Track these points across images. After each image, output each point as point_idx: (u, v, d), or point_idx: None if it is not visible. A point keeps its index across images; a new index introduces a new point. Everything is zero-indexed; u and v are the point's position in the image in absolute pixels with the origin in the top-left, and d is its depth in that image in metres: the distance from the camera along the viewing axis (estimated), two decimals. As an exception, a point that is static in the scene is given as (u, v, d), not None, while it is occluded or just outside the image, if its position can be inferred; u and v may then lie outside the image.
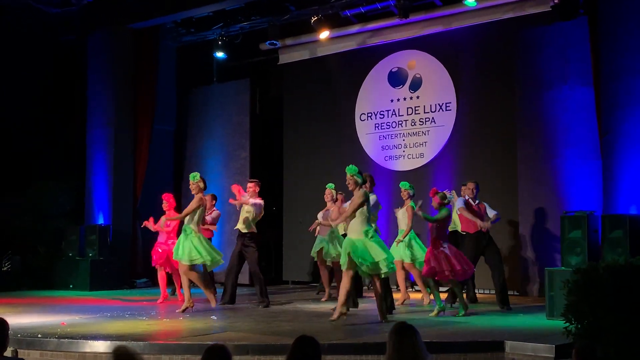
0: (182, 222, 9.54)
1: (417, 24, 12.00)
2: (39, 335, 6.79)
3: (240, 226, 9.73)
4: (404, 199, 9.41)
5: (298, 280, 13.29)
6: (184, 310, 8.86)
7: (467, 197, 9.25)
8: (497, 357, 6.22)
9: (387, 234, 11.17)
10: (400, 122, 12.37)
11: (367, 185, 8.44)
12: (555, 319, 7.43)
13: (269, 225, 13.65)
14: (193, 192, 9.16)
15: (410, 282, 11.53)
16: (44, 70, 14.21)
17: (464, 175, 11.38)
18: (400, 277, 9.83)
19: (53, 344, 6.59)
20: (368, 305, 9.02)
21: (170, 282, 10.58)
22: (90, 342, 6.53)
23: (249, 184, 9.99)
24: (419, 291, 10.67)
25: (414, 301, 10.09)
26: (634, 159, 8.57)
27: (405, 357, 3.60)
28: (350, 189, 7.97)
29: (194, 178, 9.20)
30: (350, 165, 8.00)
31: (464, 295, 9.04)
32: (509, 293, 9.25)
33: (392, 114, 12.48)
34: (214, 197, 11.27)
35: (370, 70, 12.78)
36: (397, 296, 9.97)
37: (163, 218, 10.29)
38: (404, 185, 9.49)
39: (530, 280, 10.46)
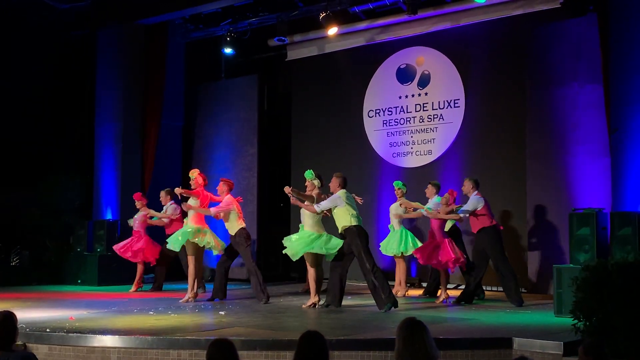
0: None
1: (426, 20, 11.98)
2: (48, 330, 6.82)
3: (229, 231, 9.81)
4: (397, 197, 10.23)
5: (305, 276, 13.27)
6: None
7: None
8: (504, 354, 6.20)
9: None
10: (408, 119, 12.35)
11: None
12: (563, 316, 7.42)
13: (276, 221, 13.68)
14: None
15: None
16: (54, 65, 14.25)
17: (472, 172, 11.35)
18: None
19: (61, 338, 6.61)
20: (372, 301, 9.00)
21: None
22: (98, 336, 6.55)
23: (220, 183, 9.95)
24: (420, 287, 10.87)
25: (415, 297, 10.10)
26: (643, 157, 8.54)
27: (417, 353, 3.60)
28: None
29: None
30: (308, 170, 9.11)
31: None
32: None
33: (401, 111, 12.46)
34: (169, 192, 11.28)
35: (378, 66, 12.76)
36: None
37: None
38: (397, 184, 10.31)
39: (538, 277, 10.43)
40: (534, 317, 7.94)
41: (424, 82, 12.24)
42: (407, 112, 12.38)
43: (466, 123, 11.67)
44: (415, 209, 9.86)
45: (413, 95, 12.34)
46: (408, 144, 12.30)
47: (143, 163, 13.45)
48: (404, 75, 12.50)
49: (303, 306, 8.94)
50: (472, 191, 9.22)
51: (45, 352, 6.54)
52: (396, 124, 12.48)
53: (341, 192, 8.77)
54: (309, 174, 9.12)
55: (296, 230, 13.25)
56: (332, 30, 12.17)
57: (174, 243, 9.74)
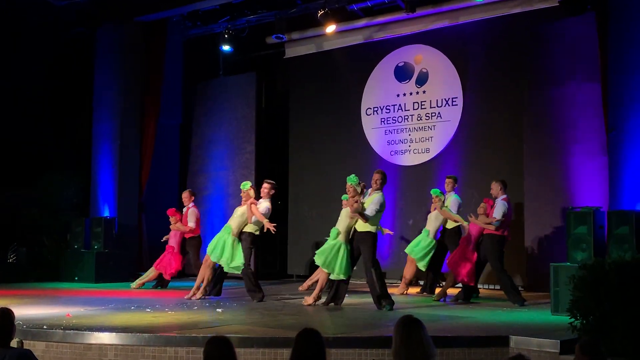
0: None
1: (424, 18, 11.98)
2: (45, 327, 6.81)
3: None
4: (436, 206, 9.97)
5: (303, 274, 13.30)
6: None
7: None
8: (501, 352, 6.20)
9: (392, 228, 11.16)
10: (406, 117, 12.35)
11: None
12: (560, 315, 7.43)
13: (274, 219, 13.66)
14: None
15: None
16: (52, 63, 14.22)
17: (469, 170, 11.38)
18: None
19: (58, 335, 6.60)
20: (371, 299, 9.01)
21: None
22: (95, 333, 6.54)
23: (265, 185, 9.75)
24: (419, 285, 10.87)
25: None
26: (640, 155, 8.55)
27: (413, 351, 3.60)
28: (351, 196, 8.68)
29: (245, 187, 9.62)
30: (351, 175, 8.71)
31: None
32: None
33: (398, 109, 12.47)
34: (191, 194, 11.22)
35: (376, 64, 12.77)
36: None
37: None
38: (435, 192, 10.01)
39: (535, 276, 10.43)
40: (531, 315, 7.95)
41: (422, 80, 12.24)
42: (405, 110, 12.38)
43: (464, 121, 11.67)
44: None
45: (411, 94, 12.34)
46: (406, 142, 12.30)
47: (141, 161, 13.43)
48: (402, 73, 12.50)
49: (304, 303, 8.91)
50: (501, 193, 9.17)
51: (42, 349, 6.53)
52: (394, 122, 12.48)
53: (381, 194, 8.59)
54: (353, 179, 8.73)
55: (294, 228, 13.32)
56: (330, 28, 12.17)
57: (215, 255, 9.48)
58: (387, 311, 8.29)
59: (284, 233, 13.59)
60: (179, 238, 11.06)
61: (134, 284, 11.17)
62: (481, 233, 9.23)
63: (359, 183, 8.76)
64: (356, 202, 8.59)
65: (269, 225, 9.21)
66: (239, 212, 9.55)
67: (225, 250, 9.39)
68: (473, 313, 8.17)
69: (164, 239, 11.21)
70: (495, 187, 9.25)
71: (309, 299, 8.95)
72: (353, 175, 8.82)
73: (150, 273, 11.22)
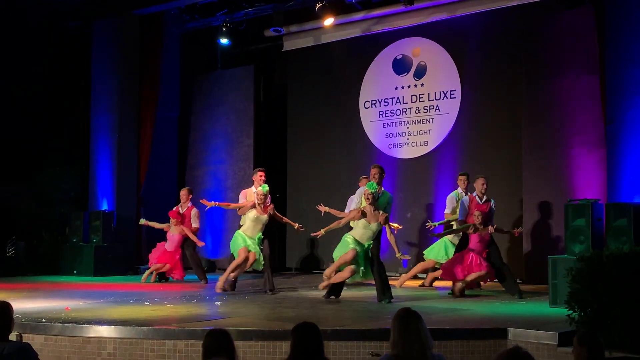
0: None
1: (422, 11, 11.96)
2: (43, 320, 6.82)
3: None
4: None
5: (301, 267, 13.32)
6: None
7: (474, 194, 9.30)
8: (499, 344, 6.22)
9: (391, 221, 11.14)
10: (404, 110, 12.34)
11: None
12: (558, 307, 7.44)
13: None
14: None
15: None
16: (49, 56, 14.19)
17: (468, 163, 11.37)
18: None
19: (57, 329, 6.62)
20: (369, 292, 9.03)
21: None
22: (94, 326, 6.55)
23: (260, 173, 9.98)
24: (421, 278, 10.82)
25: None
26: (638, 148, 8.53)
27: (411, 343, 3.62)
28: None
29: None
30: (371, 183, 8.58)
31: None
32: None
33: (397, 102, 12.46)
34: (190, 192, 11.34)
35: (374, 57, 12.75)
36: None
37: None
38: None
39: (533, 268, 10.45)
40: (529, 308, 7.96)
41: (420, 73, 12.23)
42: (403, 103, 12.37)
43: (462, 114, 11.67)
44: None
45: (409, 86, 12.34)
46: (404, 135, 12.30)
47: (139, 154, 13.42)
48: (400, 66, 12.49)
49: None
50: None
51: (41, 342, 6.53)
52: (392, 115, 12.48)
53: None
54: (373, 187, 8.51)
55: (293, 220, 13.30)
56: (329, 21, 12.15)
57: (235, 246, 9.66)
58: (385, 304, 8.30)
59: (283, 226, 13.58)
60: (181, 241, 11.11)
61: (143, 278, 11.28)
62: (489, 238, 9.09)
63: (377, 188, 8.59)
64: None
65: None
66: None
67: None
68: (471, 305, 8.18)
69: (144, 223, 11.45)
70: (485, 184, 9.22)
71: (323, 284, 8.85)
72: (373, 182, 8.63)
73: (158, 266, 11.19)
